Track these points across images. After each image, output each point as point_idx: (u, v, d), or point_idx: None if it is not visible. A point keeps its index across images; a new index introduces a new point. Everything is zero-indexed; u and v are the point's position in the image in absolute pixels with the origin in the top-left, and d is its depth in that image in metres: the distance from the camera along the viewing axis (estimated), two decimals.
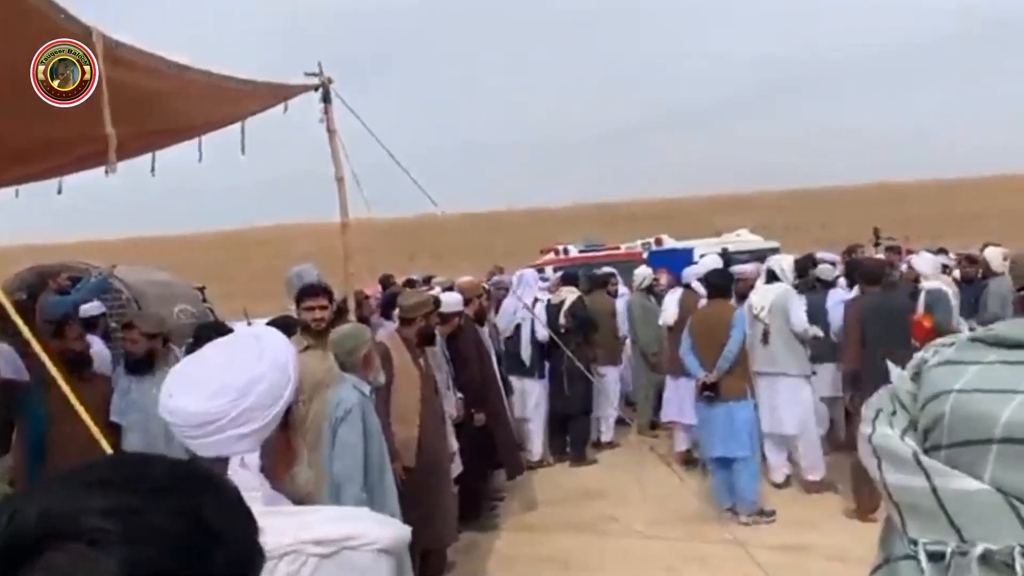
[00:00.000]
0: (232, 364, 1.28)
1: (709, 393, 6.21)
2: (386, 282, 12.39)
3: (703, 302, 6.97)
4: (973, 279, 8.76)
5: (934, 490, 0.74)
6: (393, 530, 1.26)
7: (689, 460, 7.68)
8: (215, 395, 1.24)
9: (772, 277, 7.12)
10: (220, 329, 4.18)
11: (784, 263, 7.28)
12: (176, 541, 0.65)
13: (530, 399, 8.14)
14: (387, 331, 5.86)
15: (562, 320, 7.97)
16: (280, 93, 5.45)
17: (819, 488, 6.75)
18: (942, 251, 10.16)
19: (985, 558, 0.70)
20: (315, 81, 5.64)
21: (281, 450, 1.34)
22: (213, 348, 1.35)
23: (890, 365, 0.90)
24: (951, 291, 7.56)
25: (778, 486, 6.73)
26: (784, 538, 5.76)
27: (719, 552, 5.44)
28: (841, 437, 7.49)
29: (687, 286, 7.79)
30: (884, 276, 6.66)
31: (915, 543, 0.76)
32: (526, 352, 8.13)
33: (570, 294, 8.28)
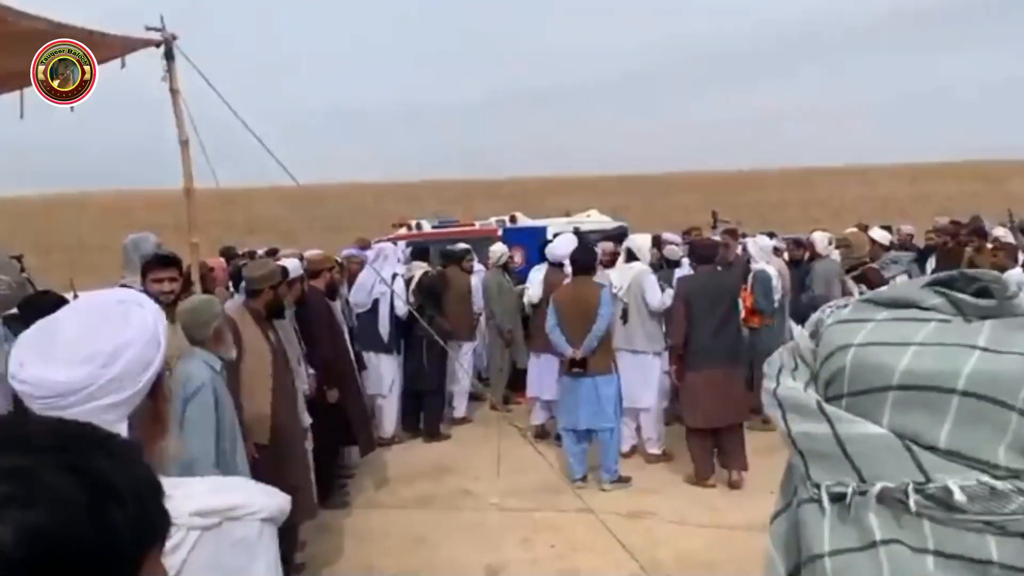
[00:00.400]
0: (98, 329, 1.17)
1: (578, 369, 6.37)
2: (228, 254, 11.85)
3: (567, 280, 7.13)
4: (800, 261, 9.45)
5: (836, 435, 0.78)
6: (276, 499, 1.20)
7: (542, 434, 7.86)
8: (82, 362, 1.13)
9: (631, 256, 7.36)
10: (54, 299, 3.84)
11: (641, 243, 7.55)
12: (73, 502, 0.60)
13: (385, 375, 8.04)
14: (234, 304, 5.61)
15: (410, 297, 7.90)
16: (118, 47, 5.06)
17: (658, 459, 7.09)
18: (771, 235, 10.83)
19: (882, 496, 0.75)
20: (157, 36, 5.27)
21: (150, 421, 1.25)
22: (72, 313, 1.23)
23: (792, 324, 0.95)
24: (776, 272, 8.13)
25: (624, 456, 7.00)
26: (630, 505, 6.03)
27: (572, 520, 5.62)
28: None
29: (556, 264, 7.86)
30: (716, 256, 7.03)
31: (818, 486, 0.80)
32: (384, 328, 8.01)
33: (419, 269, 8.24)
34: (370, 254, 8.53)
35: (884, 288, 0.90)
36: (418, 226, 13.51)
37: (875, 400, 0.78)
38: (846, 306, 0.90)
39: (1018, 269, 6.72)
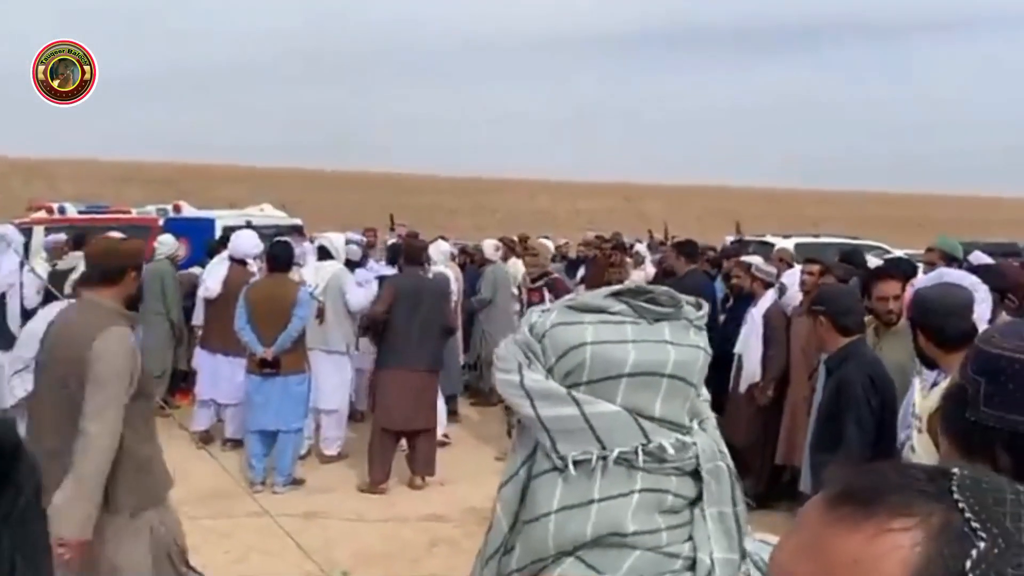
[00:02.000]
0: None
1: (269, 370, 6.11)
2: None
3: (255, 278, 6.82)
4: (465, 265, 10.08)
5: (583, 415, 0.97)
6: None
7: (207, 439, 7.41)
8: None
9: (324, 255, 7.23)
10: None
11: (337, 241, 7.46)
12: None
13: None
14: None
15: (68, 289, 7.05)
16: None
17: (334, 459, 7.08)
18: (443, 239, 11.33)
19: (618, 458, 0.97)
20: None
21: None
22: None
23: (519, 320, 1.10)
24: (454, 275, 8.58)
25: (301, 457, 6.86)
26: (307, 505, 5.96)
27: (246, 524, 5.40)
28: (360, 409, 7.97)
29: (239, 260, 7.42)
30: (425, 258, 7.23)
31: (564, 458, 0.98)
32: (15, 324, 7.03)
33: (81, 260, 7.37)
34: None
35: (578, 296, 1.09)
36: (61, 210, 12.04)
37: (610, 386, 0.98)
38: (550, 311, 1.06)
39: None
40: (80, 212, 12.14)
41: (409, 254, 6.91)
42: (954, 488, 0.58)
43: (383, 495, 6.35)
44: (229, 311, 6.69)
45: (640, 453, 0.96)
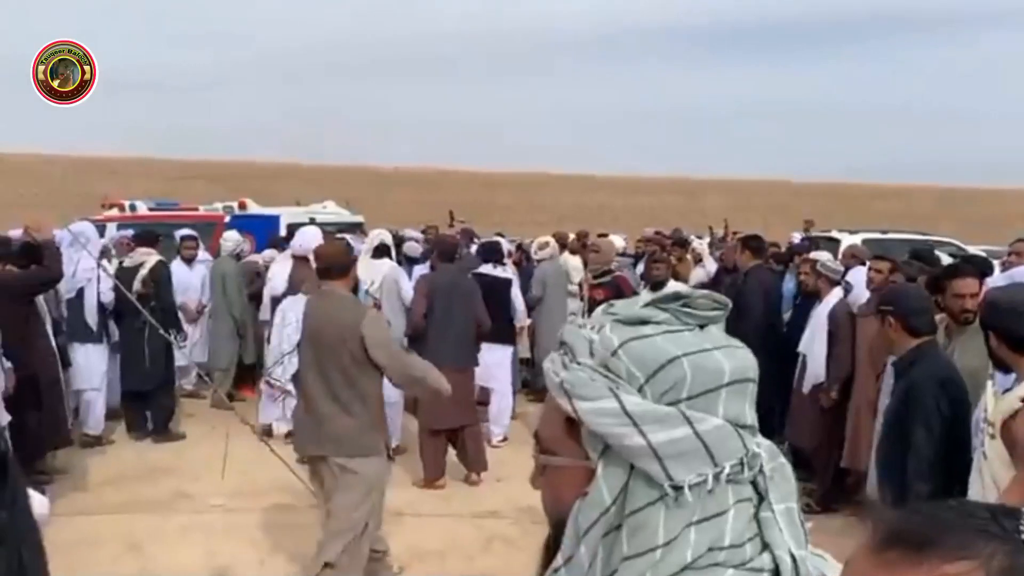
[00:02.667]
0: None
1: None
2: None
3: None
4: (522, 262, 10.07)
5: (696, 433, 0.91)
6: None
7: (268, 433, 7.54)
8: None
9: (379, 252, 7.29)
10: None
11: (386, 239, 7.52)
12: None
13: (95, 366, 7.29)
14: None
15: (138, 286, 7.26)
16: None
17: (393, 452, 7.11)
18: (499, 235, 11.33)
19: (729, 474, 0.92)
20: None
21: None
22: None
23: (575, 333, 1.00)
24: (510, 271, 8.56)
25: None
26: None
27: (307, 519, 5.45)
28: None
29: (302, 257, 7.52)
30: (458, 254, 7.21)
31: (678, 485, 0.91)
32: (91, 317, 7.26)
33: (148, 257, 7.58)
34: (64, 236, 7.50)
35: (616, 307, 1.00)
36: (132, 207, 12.44)
37: (711, 399, 0.93)
38: (603, 326, 0.98)
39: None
40: (150, 209, 12.52)
41: (442, 251, 6.82)
42: (1023, 527, 0.53)
43: (439, 490, 6.39)
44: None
45: (745, 465, 0.93)
